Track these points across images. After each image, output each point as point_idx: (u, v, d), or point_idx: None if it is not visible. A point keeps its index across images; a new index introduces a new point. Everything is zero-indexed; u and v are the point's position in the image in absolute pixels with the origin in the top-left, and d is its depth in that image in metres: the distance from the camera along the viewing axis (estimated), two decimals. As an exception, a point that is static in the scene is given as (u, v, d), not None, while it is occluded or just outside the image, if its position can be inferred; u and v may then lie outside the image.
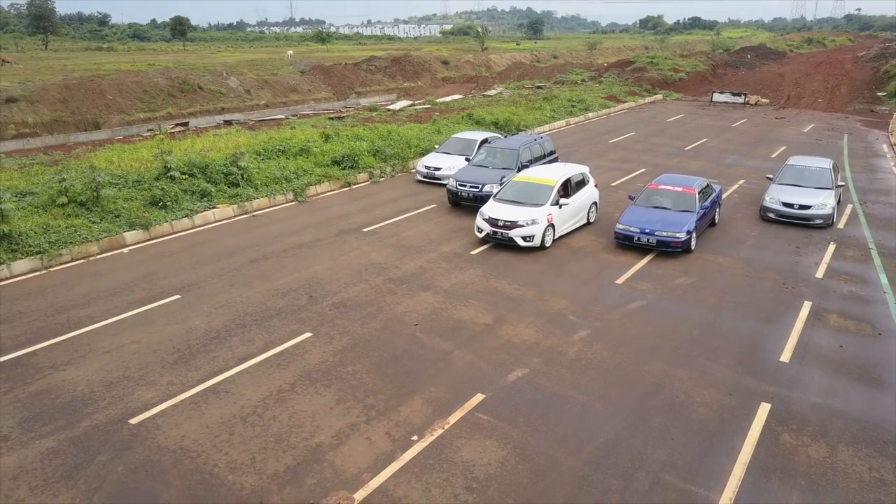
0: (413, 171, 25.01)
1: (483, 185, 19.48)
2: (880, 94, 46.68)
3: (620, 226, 16.33)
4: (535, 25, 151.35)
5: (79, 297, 13.67)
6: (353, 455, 8.84)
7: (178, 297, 13.72)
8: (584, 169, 18.95)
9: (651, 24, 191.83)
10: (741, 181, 23.94)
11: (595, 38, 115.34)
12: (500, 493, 8.17)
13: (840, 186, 19.73)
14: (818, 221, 18.32)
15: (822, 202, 18.44)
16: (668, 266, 15.68)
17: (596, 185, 19.00)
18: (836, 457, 8.93)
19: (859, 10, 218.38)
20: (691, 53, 72.39)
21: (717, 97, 45.60)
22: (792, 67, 59.63)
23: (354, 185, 23.10)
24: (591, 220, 18.63)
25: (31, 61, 67.39)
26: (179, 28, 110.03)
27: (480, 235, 16.73)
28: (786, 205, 18.65)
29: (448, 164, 22.87)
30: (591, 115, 39.00)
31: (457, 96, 45.98)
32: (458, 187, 19.85)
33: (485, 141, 24.13)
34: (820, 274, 15.32)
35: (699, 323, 12.85)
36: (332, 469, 8.55)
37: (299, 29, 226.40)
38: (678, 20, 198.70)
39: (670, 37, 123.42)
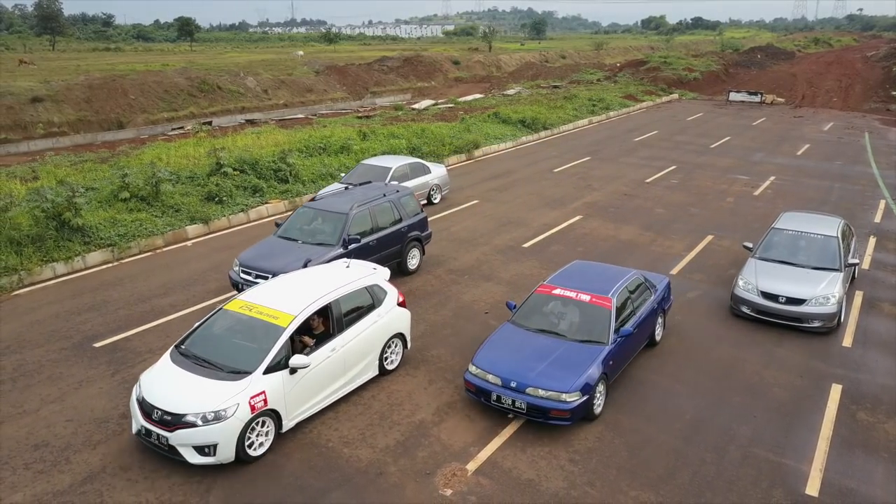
0: (448, 168, 25.48)
1: (276, 275, 11.55)
2: (895, 93, 47.19)
3: (473, 369, 9.62)
4: (537, 26, 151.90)
5: (156, 287, 14.17)
6: (457, 430, 9.34)
7: (251, 287, 14.21)
8: (378, 276, 10.95)
9: (654, 25, 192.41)
10: (772, 178, 24.45)
11: (601, 38, 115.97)
12: (602, 465, 8.68)
13: (853, 265, 13.64)
14: (815, 324, 12.05)
15: (822, 293, 12.12)
16: (718, 256, 16.20)
17: (402, 303, 10.98)
18: (912, 432, 9.44)
19: (861, 10, 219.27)
20: (702, 53, 73.00)
21: (734, 96, 46.14)
22: (803, 67, 60.21)
23: (394, 181, 23.58)
24: (391, 368, 10.80)
25: (44, 62, 67.93)
26: (187, 29, 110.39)
27: (133, 430, 8.76)
28: (766, 296, 12.39)
29: None
30: (612, 113, 39.53)
31: (477, 95, 46.53)
32: (242, 276, 12.70)
33: (402, 169, 19.36)
34: (866, 265, 15.82)
35: (758, 311, 13.34)
36: (439, 443, 9.05)
37: (302, 29, 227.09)
38: (680, 20, 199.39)
39: (675, 37, 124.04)
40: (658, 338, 11.80)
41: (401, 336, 10.93)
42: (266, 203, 19.47)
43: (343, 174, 20.66)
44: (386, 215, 14.47)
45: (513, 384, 9.23)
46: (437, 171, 20.86)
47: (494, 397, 9.35)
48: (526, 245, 16.99)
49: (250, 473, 8.39)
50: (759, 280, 12.70)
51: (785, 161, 27.43)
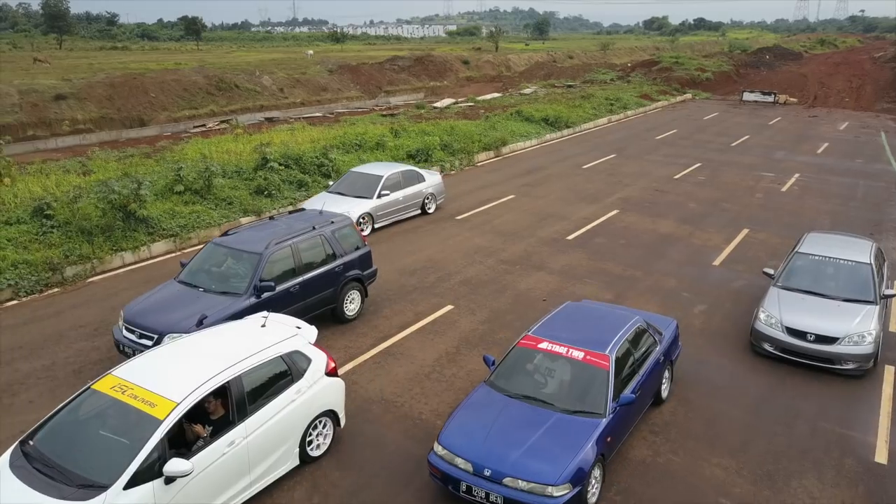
0: (479, 165, 26.14)
1: (163, 335, 9.81)
2: (905, 93, 47.88)
3: (439, 449, 7.80)
4: (541, 26, 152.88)
5: (222, 275, 14.73)
6: (539, 405, 9.92)
7: (314, 275, 14.79)
8: (300, 339, 8.63)
9: (656, 26, 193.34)
10: (796, 175, 25.07)
11: (606, 38, 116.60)
12: (681, 436, 9.29)
13: (889, 296, 11.81)
14: (849, 366, 10.62)
15: (856, 330, 10.64)
16: (756, 249, 16.82)
17: (333, 370, 8.81)
18: (966, 408, 10.05)
19: (863, 11, 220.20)
20: (711, 54, 73.71)
21: (747, 96, 46.79)
22: (812, 68, 60.90)
23: (429, 177, 24.16)
24: (317, 454, 8.59)
25: (55, 60, 68.49)
26: (193, 28, 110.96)
27: None
28: (792, 332, 10.93)
29: (340, 211, 15.46)
30: (629, 112, 40.16)
31: (495, 94, 47.18)
32: (125, 335, 10.30)
33: (394, 177, 18.35)
34: (901, 257, 16.45)
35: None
36: (525, 416, 9.64)
37: (304, 29, 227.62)
38: (683, 21, 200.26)
39: (679, 38, 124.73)
40: (665, 394, 9.95)
41: (331, 413, 8.69)
42: (311, 197, 20.01)
43: (331, 182, 19.47)
44: (315, 252, 11.85)
45: (487, 472, 7.36)
46: (432, 180, 19.73)
47: (464, 488, 7.47)
48: (570, 237, 17.59)
49: (358, 441, 8.99)
50: (783, 313, 11.16)
51: (806, 159, 28.05)
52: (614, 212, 19.88)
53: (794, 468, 8.64)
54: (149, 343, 9.78)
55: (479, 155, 26.74)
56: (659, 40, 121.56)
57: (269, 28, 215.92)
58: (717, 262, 15.95)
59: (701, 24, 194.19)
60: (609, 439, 7.92)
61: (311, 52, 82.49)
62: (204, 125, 41.76)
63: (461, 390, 10.30)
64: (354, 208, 16.98)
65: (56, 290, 13.83)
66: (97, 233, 15.20)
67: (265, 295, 10.69)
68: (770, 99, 46.13)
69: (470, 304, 13.47)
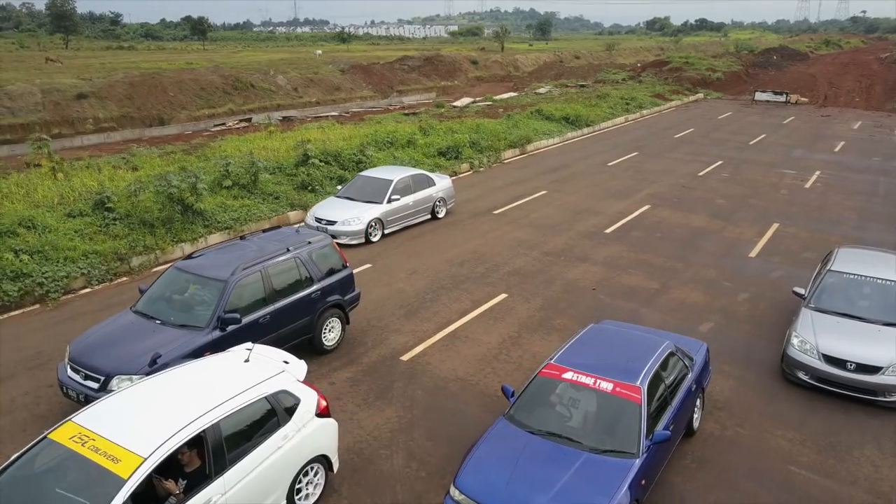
0: (506, 162, 26.76)
1: (111, 376, 8.69)
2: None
3: (456, 494, 7.07)
4: (543, 27, 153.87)
5: (280, 265, 15.32)
6: (606, 384, 10.52)
7: (368, 265, 15.39)
8: (287, 376, 7.67)
9: (658, 26, 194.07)
10: (817, 172, 25.67)
11: (610, 39, 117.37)
12: (744, 411, 9.90)
13: None
14: (893, 398, 9.80)
15: None
16: (789, 242, 17.43)
17: (324, 410, 7.88)
18: None
19: (865, 12, 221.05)
20: (720, 54, 74.37)
21: (759, 96, 47.39)
22: (820, 68, 61.54)
23: (460, 174, 24.77)
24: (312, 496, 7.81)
25: (66, 59, 68.94)
26: (200, 28, 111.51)
27: None
28: (830, 360, 10.05)
29: (347, 217, 16.63)
30: (645, 112, 40.77)
31: (511, 94, 47.83)
32: (69, 375, 9.11)
33: (404, 181, 17.99)
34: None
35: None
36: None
37: (306, 29, 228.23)
38: (685, 22, 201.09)
39: (682, 38, 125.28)
40: (696, 424, 9.16)
41: (323, 459, 7.81)
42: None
43: (340, 186, 19.23)
44: (289, 277, 10.64)
45: None
46: (442, 184, 19.25)
47: None
48: (608, 231, 18.18)
49: (442, 416, 9.60)
50: (818, 339, 10.26)
51: (825, 157, 28.67)
52: (646, 207, 20.47)
53: (854, 440, 9.25)
54: (94, 385, 8.65)
55: (505, 152, 27.33)
56: (662, 41, 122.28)
57: (271, 28, 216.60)
58: (753, 255, 16.54)
59: (703, 25, 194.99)
60: (643, 482, 7.16)
61: (319, 52, 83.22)
62: (223, 124, 42.41)
63: (529, 370, 10.86)
64: (364, 213, 16.84)
65: (125, 278, 14.44)
66: (158, 225, 15.80)
67: (230, 328, 9.51)
68: (782, 99, 46.74)
69: (523, 292, 14.06)
